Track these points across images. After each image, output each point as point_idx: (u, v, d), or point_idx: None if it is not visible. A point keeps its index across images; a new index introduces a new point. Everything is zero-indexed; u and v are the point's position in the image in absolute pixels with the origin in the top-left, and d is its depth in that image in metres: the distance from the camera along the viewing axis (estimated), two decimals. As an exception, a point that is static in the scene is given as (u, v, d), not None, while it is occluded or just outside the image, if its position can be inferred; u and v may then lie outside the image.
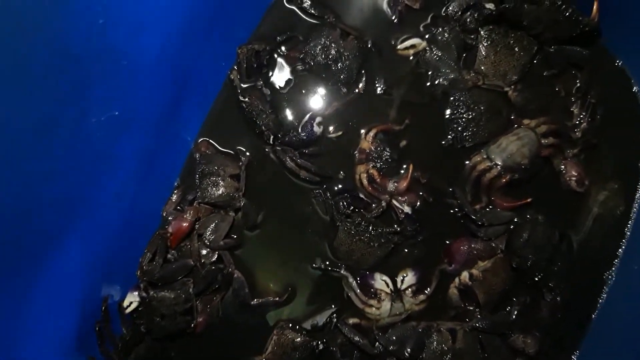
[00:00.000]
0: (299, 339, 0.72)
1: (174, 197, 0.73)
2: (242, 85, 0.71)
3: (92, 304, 0.65)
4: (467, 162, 0.73)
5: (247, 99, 0.70)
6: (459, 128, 0.72)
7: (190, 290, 0.69)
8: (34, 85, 0.46)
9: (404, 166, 0.73)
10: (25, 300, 0.53)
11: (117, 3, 0.49)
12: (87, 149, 0.53)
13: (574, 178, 0.72)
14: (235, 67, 0.71)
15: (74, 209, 0.56)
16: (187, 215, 0.71)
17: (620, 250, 0.74)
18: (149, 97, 0.58)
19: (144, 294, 0.69)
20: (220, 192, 0.71)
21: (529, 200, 0.71)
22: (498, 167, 0.71)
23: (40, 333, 0.57)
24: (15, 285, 0.52)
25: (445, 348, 0.70)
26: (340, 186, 0.74)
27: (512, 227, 0.72)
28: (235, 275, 0.73)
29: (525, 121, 0.72)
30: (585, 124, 0.73)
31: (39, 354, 0.58)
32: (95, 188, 0.58)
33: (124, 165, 0.61)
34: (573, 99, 0.74)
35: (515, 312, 0.72)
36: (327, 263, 0.74)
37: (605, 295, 0.73)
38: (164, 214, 0.73)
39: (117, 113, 0.54)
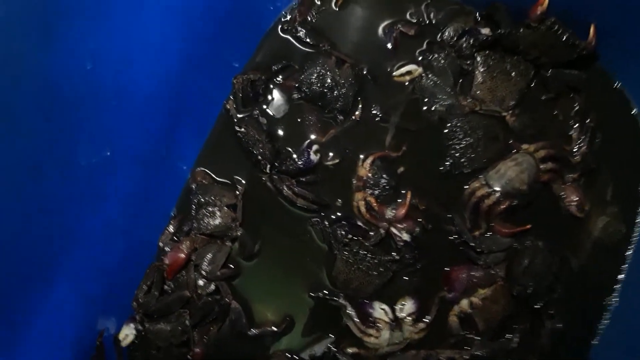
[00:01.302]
0: (297, 369, 0.72)
1: (171, 228, 0.73)
2: (238, 115, 0.71)
3: (87, 339, 0.64)
4: (465, 188, 0.72)
5: (243, 129, 0.69)
6: (457, 154, 0.72)
7: (187, 322, 0.69)
8: (21, 126, 0.46)
9: (402, 193, 0.72)
10: (18, 341, 0.53)
11: (106, 45, 0.48)
12: (77, 189, 0.53)
13: (574, 203, 0.71)
14: (231, 97, 0.71)
15: (64, 247, 0.56)
16: (183, 246, 0.70)
17: (621, 275, 0.73)
18: (142, 134, 0.58)
19: (139, 327, 0.68)
20: (216, 222, 0.71)
21: (528, 227, 0.70)
22: (497, 193, 0.70)
23: None
24: (6, 326, 0.51)
25: (447, 377, 0.69)
26: (338, 214, 0.73)
27: (511, 253, 0.71)
28: (233, 305, 0.72)
29: (524, 146, 0.72)
30: (584, 148, 0.72)
31: None
32: (86, 225, 0.57)
33: (116, 201, 0.60)
34: (571, 123, 0.73)
35: (516, 340, 0.71)
36: (326, 292, 0.73)
37: (606, 322, 0.72)
38: (161, 245, 0.72)
39: (108, 154, 0.53)
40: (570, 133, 0.73)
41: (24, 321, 0.53)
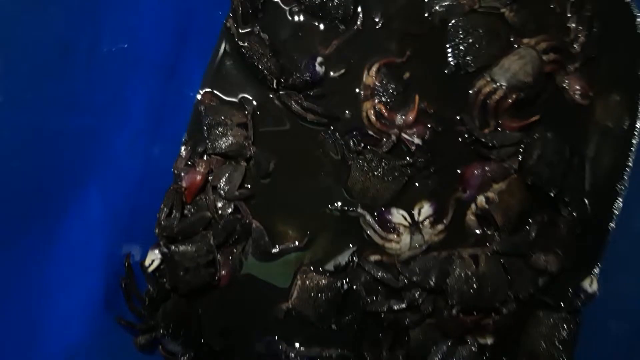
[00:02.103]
0: (323, 281, 0.73)
1: (183, 153, 0.73)
2: (239, 31, 0.71)
3: (115, 262, 0.65)
4: (472, 88, 0.73)
5: (246, 44, 0.69)
6: (461, 54, 0.73)
7: (211, 241, 0.69)
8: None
9: (410, 98, 0.73)
10: (51, 256, 0.53)
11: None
12: (103, 79, 0.53)
13: (577, 92, 0.73)
14: (231, 15, 0.70)
15: (93, 153, 0.56)
16: (199, 168, 0.71)
17: (630, 160, 0.75)
18: (153, 40, 0.58)
19: (165, 250, 0.68)
20: (229, 141, 0.71)
21: (537, 117, 0.72)
22: (503, 88, 0.71)
23: (68, 292, 0.56)
24: (39, 236, 0.52)
25: (469, 273, 0.70)
26: (348, 125, 0.74)
27: (522, 146, 0.72)
28: (254, 225, 0.73)
29: (525, 40, 0.73)
30: (582, 37, 0.73)
31: (69, 316, 0.57)
32: (111, 132, 0.58)
33: (136, 113, 0.60)
34: (569, 14, 0.74)
35: (534, 232, 0.73)
36: (343, 204, 0.74)
37: (621, 205, 0.74)
38: (175, 171, 0.72)
39: (125, 46, 0.53)
40: (568, 24, 0.75)
41: (56, 235, 0.54)
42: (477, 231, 0.74)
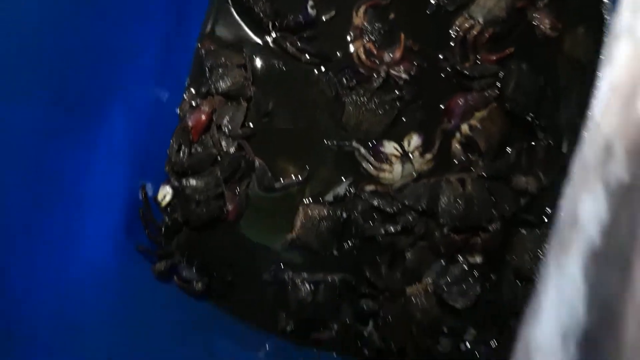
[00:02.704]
0: (324, 211, 0.78)
1: (187, 96, 0.78)
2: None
3: (134, 195, 0.70)
4: (452, 25, 0.79)
5: (243, -12, 0.74)
6: (440, -6, 0.79)
7: (219, 174, 0.74)
8: None
9: (396, 37, 0.79)
10: (85, 168, 0.57)
11: None
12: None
13: (547, 25, 0.80)
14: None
15: (116, 74, 0.60)
16: (203, 107, 0.75)
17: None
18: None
19: (176, 184, 0.73)
20: (230, 82, 0.76)
21: (512, 50, 0.78)
22: (480, 23, 0.78)
23: (96, 213, 0.61)
24: (76, 144, 0.55)
25: (457, 195, 0.77)
26: (340, 64, 0.79)
27: (500, 77, 0.79)
28: (256, 162, 0.78)
29: (499, -21, 0.79)
30: (552, -25, 0.80)
31: (97, 237, 0.62)
32: (130, 57, 0.62)
33: (147, 57, 0.65)
34: (538, -46, 0.81)
35: (514, 156, 0.80)
36: (339, 139, 0.80)
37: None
38: (181, 113, 0.77)
39: None
40: (538, -37, 0.81)
41: (91, 145, 0.58)
42: (462, 158, 0.80)
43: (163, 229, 0.71)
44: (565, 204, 0.34)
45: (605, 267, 0.28)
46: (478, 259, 0.82)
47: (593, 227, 0.30)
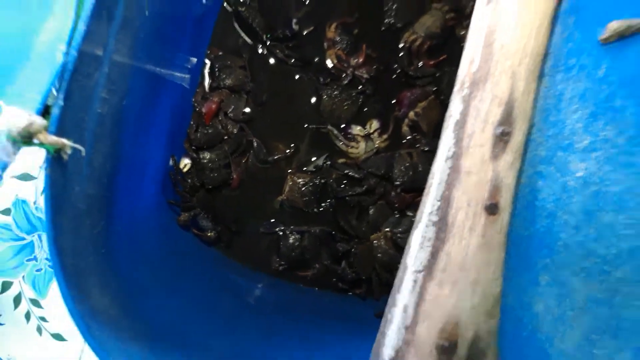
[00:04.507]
0: (307, 179, 1.01)
1: (199, 90, 1.00)
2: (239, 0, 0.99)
3: (165, 162, 0.91)
4: (401, 38, 1.05)
5: (244, 9, 0.98)
6: (392, 15, 1.04)
7: (226, 148, 0.97)
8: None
9: (360, 47, 1.04)
10: (144, 143, 0.77)
11: None
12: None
13: (471, 38, 1.07)
14: (231, -12, 0.99)
15: (163, 72, 0.81)
16: (214, 98, 0.98)
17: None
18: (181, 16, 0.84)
19: (194, 155, 0.95)
20: (233, 79, 0.98)
21: (445, 56, 1.05)
22: (422, 36, 1.04)
23: (147, 168, 0.81)
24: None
25: (407, 164, 1.02)
26: (318, 67, 1.03)
27: (437, 75, 1.05)
28: (254, 141, 1.01)
29: (435, 5, 1.05)
30: (472, 2, 1.07)
31: (145, 186, 0.82)
32: (170, 59, 0.83)
33: (179, 64, 0.86)
34: (463, -13, 1.08)
35: (448, 136, 1.05)
36: (318, 123, 1.04)
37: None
38: (195, 103, 0.99)
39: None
40: (463, -6, 1.09)
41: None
42: (410, 137, 1.05)
43: (187, 187, 0.93)
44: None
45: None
46: (424, 215, 1.07)
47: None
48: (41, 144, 0.39)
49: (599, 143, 0.47)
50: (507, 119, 0.45)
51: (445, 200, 0.45)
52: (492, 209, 0.45)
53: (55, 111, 0.39)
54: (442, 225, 0.45)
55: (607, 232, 0.46)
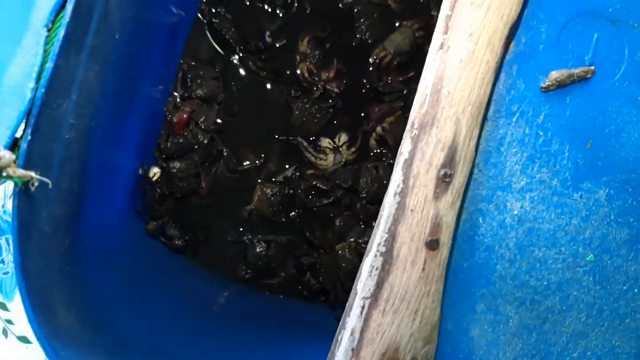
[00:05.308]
0: (275, 189, 1.04)
1: (171, 99, 1.01)
2: (211, 11, 1.00)
3: (135, 171, 0.92)
4: (371, 54, 1.08)
5: (217, 20, 0.99)
6: (363, 31, 1.07)
7: (196, 159, 0.98)
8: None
9: (331, 61, 1.06)
10: (114, 148, 0.78)
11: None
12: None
13: (438, 57, 1.10)
14: (204, 0, 1.00)
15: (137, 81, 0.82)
16: (185, 108, 0.99)
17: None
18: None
19: (164, 165, 0.96)
20: (206, 89, 1.00)
21: (412, 73, 1.08)
22: (391, 53, 1.07)
23: (116, 177, 0.82)
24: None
25: (373, 177, 1.05)
26: (289, 79, 1.05)
27: (404, 93, 1.09)
28: (224, 151, 1.03)
29: (405, 22, 1.09)
30: (441, 22, 1.11)
31: (117, 199, 0.83)
32: (143, 68, 0.84)
33: (150, 73, 0.87)
34: (432, 6, 1.11)
35: (414, 150, 1.09)
36: (288, 134, 1.06)
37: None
38: (167, 112, 1.00)
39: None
40: (432, 12, 1.12)
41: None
42: (377, 150, 1.09)
43: (155, 197, 0.94)
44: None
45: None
46: (388, 225, 1.11)
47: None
48: (9, 177, 0.40)
49: (535, 184, 0.51)
50: (449, 162, 0.49)
51: (392, 235, 0.49)
52: (432, 244, 0.48)
53: (23, 145, 0.41)
54: (388, 257, 0.49)
55: (539, 265, 0.50)
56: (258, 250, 1.02)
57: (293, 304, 1.03)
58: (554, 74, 0.53)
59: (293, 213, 1.05)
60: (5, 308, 1.02)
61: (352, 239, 1.05)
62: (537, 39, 0.54)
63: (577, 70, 0.53)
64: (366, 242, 1.05)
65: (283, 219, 1.04)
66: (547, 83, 0.53)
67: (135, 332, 0.70)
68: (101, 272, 0.73)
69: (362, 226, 1.07)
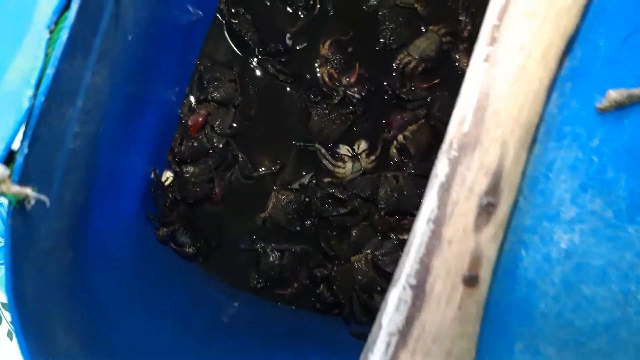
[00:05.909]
0: (291, 196, 1.00)
1: (186, 102, 0.98)
2: (231, 11, 0.97)
3: (147, 175, 0.90)
4: (394, 60, 1.04)
5: (237, 21, 0.96)
6: (387, 35, 1.02)
7: (210, 163, 0.95)
8: None
9: (352, 65, 1.02)
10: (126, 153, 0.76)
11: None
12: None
13: (465, 63, 1.05)
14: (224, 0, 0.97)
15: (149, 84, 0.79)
16: (201, 111, 0.96)
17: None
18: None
19: (177, 169, 0.94)
20: (223, 92, 0.97)
21: (438, 81, 1.04)
22: (416, 59, 1.02)
23: (126, 182, 0.80)
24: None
25: (393, 187, 1.01)
26: (309, 84, 1.02)
27: (428, 100, 1.04)
28: (240, 156, 1.00)
29: (430, 27, 1.04)
30: (469, 26, 1.06)
31: (126, 205, 0.81)
32: (157, 71, 0.81)
33: (165, 75, 0.84)
34: (460, 11, 1.06)
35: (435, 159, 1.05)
36: (305, 140, 1.02)
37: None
38: (182, 115, 0.97)
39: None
40: (460, 17, 1.07)
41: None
42: (397, 160, 1.05)
43: (167, 202, 0.92)
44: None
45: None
46: (406, 237, 1.06)
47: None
48: (3, 194, 0.37)
49: (585, 215, 0.46)
50: (493, 190, 0.44)
51: (425, 267, 0.44)
52: (471, 281, 0.44)
53: (19, 159, 0.38)
54: (419, 292, 0.44)
55: (586, 304, 0.46)
56: (271, 259, 0.99)
57: (305, 316, 0.99)
58: (613, 94, 0.47)
59: (308, 222, 1.01)
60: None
61: (368, 251, 1.01)
62: (595, 54, 0.49)
63: (637, 91, 0.48)
64: (383, 255, 1.01)
65: (298, 228, 1.01)
66: (604, 104, 0.48)
67: (142, 349, 0.67)
68: (107, 284, 0.70)
69: (380, 238, 1.03)
